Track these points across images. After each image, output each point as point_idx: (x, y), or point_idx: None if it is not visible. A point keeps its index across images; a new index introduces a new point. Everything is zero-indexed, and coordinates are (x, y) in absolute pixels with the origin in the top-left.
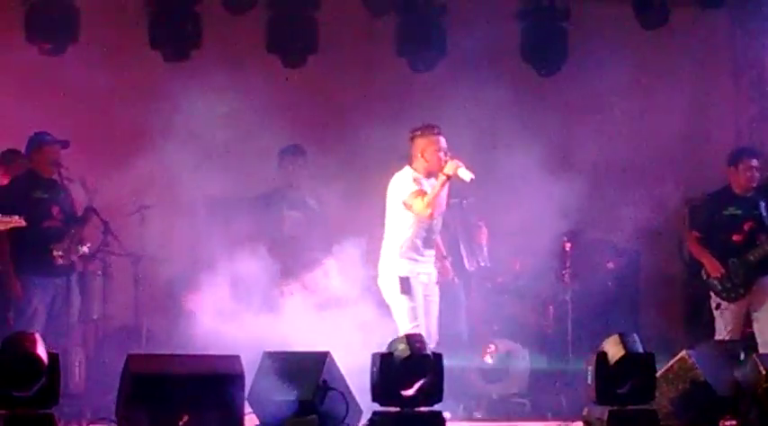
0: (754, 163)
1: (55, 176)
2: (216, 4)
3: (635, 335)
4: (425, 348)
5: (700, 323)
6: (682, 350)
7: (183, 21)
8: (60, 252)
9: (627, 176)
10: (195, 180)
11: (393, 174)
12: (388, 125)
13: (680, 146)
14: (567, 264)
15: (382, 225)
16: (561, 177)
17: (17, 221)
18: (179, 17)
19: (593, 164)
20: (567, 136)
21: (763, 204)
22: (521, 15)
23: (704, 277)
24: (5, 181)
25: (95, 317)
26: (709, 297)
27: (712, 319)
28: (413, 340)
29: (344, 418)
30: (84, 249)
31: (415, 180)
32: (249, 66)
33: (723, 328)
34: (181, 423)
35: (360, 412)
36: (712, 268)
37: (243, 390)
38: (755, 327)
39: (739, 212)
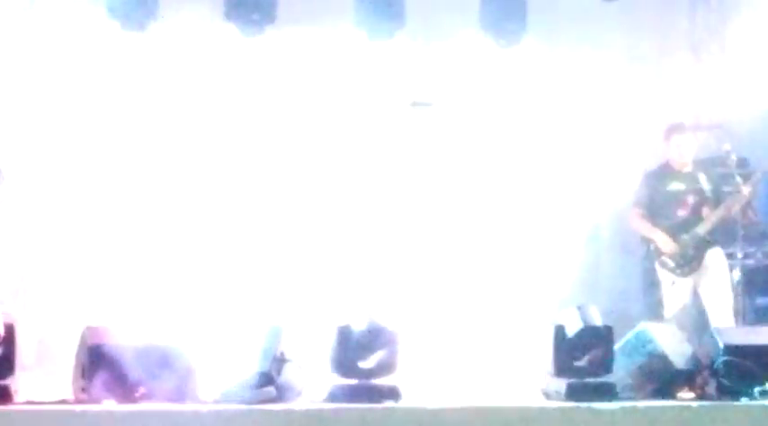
0: (683, 139)
1: None
2: None
3: (593, 307)
4: (384, 321)
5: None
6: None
7: None
8: None
9: None
10: None
11: None
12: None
13: (639, 118)
14: None
15: None
16: None
17: None
18: None
19: None
20: None
21: (705, 177)
22: None
23: (655, 254)
24: None
25: None
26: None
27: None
28: (371, 314)
29: (300, 389)
30: None
31: None
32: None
33: (674, 303)
34: (137, 395)
35: (315, 384)
36: (664, 244)
37: (194, 361)
38: (704, 299)
39: (682, 187)
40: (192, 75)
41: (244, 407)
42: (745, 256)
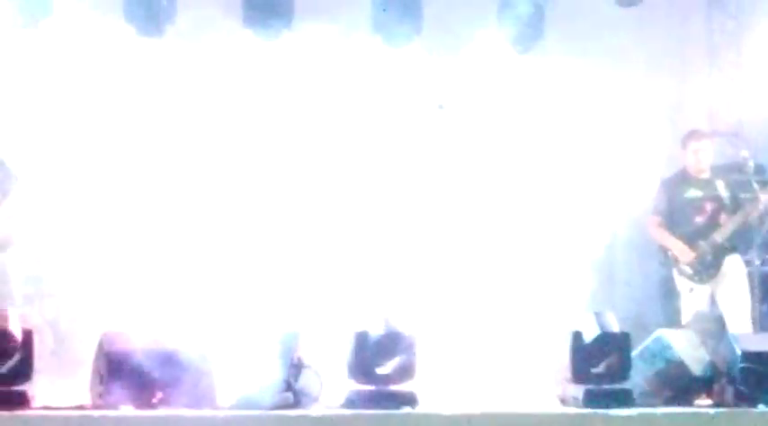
0: (700, 146)
1: None
2: None
3: (611, 314)
4: (401, 326)
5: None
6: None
7: None
8: None
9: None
10: None
11: None
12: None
13: (656, 125)
14: None
15: None
16: None
17: None
18: None
19: None
20: None
21: (722, 183)
22: None
23: (672, 262)
24: None
25: None
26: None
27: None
28: (388, 319)
29: (318, 395)
30: None
31: None
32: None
33: (691, 309)
34: (154, 400)
35: (335, 389)
36: (682, 253)
37: (212, 368)
38: (723, 307)
39: (700, 194)
40: (208, 79)
41: (261, 413)
42: (763, 263)
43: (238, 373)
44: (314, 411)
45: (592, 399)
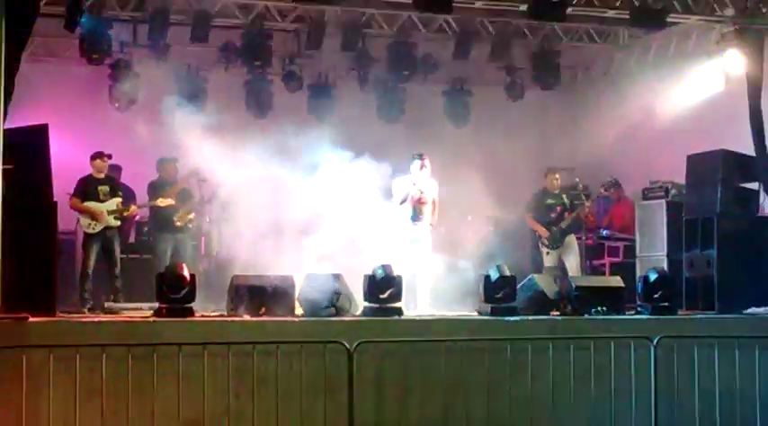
0: (548, 177)
1: None
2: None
3: (505, 265)
4: (393, 271)
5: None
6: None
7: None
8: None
9: None
10: None
11: None
12: None
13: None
14: None
15: None
16: None
17: (169, 201)
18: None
19: None
20: None
21: (565, 196)
22: (445, 94)
23: (538, 237)
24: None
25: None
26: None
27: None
28: (387, 267)
29: (349, 309)
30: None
31: None
32: None
33: (548, 263)
34: (261, 312)
35: (357, 306)
36: (543, 232)
37: (294, 294)
38: (566, 262)
39: (554, 201)
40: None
41: (318, 319)
42: (587, 238)
43: (307, 296)
44: (346, 318)
45: (494, 312)
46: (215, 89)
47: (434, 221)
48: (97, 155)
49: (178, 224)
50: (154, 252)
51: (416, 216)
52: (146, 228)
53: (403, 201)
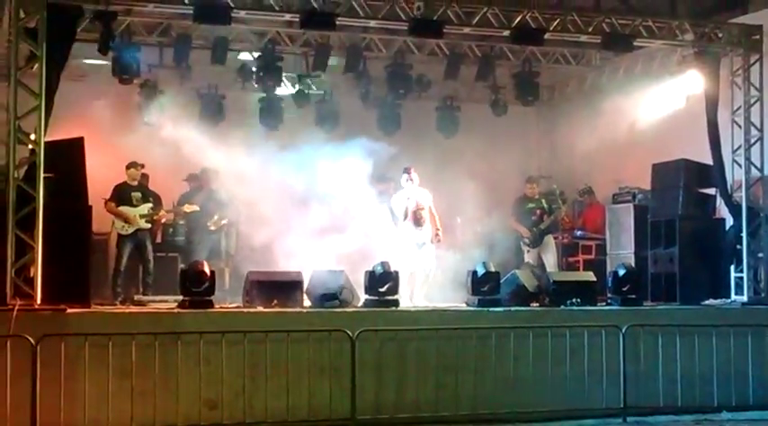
0: (528, 184)
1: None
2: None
3: (489, 262)
4: (391, 267)
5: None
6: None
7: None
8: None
9: None
10: None
11: None
12: None
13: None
14: None
15: None
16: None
17: (194, 207)
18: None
19: None
20: None
21: (544, 201)
22: (437, 109)
23: (520, 237)
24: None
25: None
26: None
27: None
28: (385, 263)
29: (351, 301)
30: (223, 222)
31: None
32: None
33: (528, 260)
34: (273, 304)
35: (359, 298)
36: (524, 233)
37: (302, 287)
38: (544, 259)
39: (533, 206)
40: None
41: (323, 310)
42: (563, 238)
43: (314, 289)
44: (349, 309)
45: (481, 303)
46: (232, 105)
47: (440, 233)
48: (131, 165)
49: (212, 228)
50: (191, 252)
51: (418, 222)
52: (185, 229)
53: (406, 217)
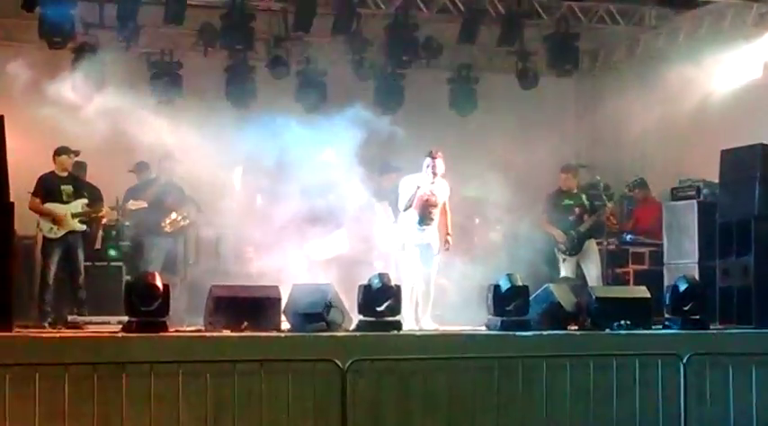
0: (564, 175)
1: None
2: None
3: (516, 274)
4: (391, 281)
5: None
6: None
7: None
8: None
9: None
10: None
11: None
12: None
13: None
14: None
15: None
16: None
17: (142, 204)
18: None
19: None
20: None
21: (585, 196)
22: (449, 81)
23: (554, 242)
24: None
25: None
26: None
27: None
28: (383, 276)
29: (341, 323)
30: (182, 222)
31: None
32: None
33: (565, 272)
34: (242, 327)
35: (350, 320)
36: (558, 234)
37: (280, 306)
38: (585, 270)
39: (571, 203)
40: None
41: (307, 334)
42: (608, 244)
43: (294, 308)
44: (338, 333)
45: (505, 326)
46: (191, 76)
47: (450, 239)
48: (61, 151)
49: (168, 230)
50: (139, 260)
51: (424, 219)
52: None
53: (408, 206)
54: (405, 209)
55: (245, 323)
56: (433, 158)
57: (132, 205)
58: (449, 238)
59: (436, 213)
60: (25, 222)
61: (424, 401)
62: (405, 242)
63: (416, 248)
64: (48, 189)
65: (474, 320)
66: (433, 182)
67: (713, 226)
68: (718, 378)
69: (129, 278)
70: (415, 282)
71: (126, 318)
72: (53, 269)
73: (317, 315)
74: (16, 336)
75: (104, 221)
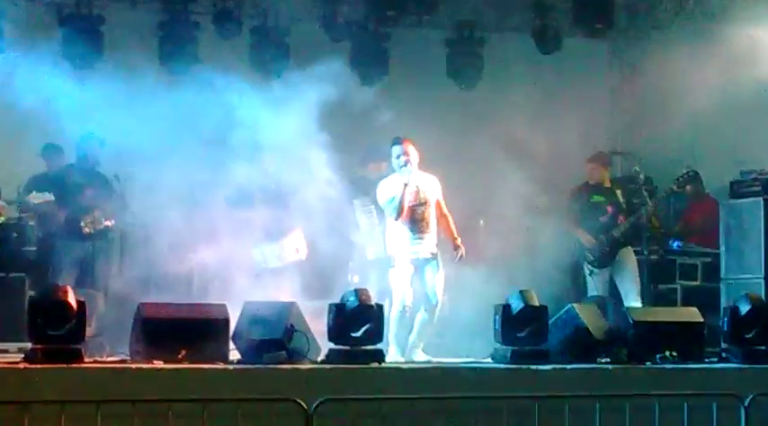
0: (591, 165)
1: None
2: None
3: (532, 291)
4: (370, 300)
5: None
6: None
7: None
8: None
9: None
10: None
11: None
12: None
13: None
14: None
15: None
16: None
17: (46, 197)
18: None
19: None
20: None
21: (620, 191)
22: (448, 43)
23: (581, 250)
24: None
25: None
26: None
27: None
28: (361, 293)
29: (306, 353)
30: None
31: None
32: None
33: (594, 289)
34: (179, 356)
35: (318, 349)
36: (586, 239)
37: (228, 330)
38: (619, 286)
39: (603, 199)
40: None
41: (261, 366)
42: (650, 253)
43: (247, 333)
44: (303, 365)
45: (516, 357)
46: (116, 34)
47: (461, 245)
48: None
49: (86, 230)
50: (47, 270)
51: (417, 225)
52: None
53: (399, 210)
54: (397, 216)
55: (183, 352)
56: (402, 144)
57: (34, 198)
58: (459, 242)
59: (430, 215)
60: None
61: None
62: (395, 258)
63: (411, 266)
64: None
65: (476, 349)
66: (412, 172)
67: None
68: None
69: (33, 293)
70: (410, 307)
71: (29, 345)
72: None
73: (275, 341)
74: None
75: (0, 219)
